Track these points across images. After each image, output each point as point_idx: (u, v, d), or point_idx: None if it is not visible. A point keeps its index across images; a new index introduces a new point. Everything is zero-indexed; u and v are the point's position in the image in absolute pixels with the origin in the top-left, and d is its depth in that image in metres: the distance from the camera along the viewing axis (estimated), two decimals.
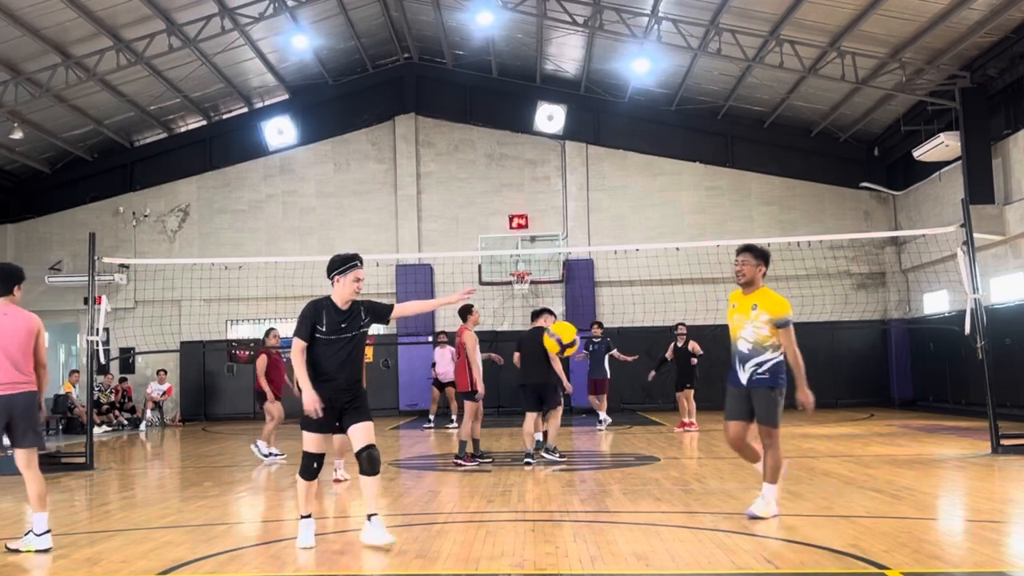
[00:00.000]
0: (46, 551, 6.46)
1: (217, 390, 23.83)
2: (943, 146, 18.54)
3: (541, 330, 11.35)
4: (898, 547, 5.98)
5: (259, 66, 22.47)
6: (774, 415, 7.11)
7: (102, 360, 14.78)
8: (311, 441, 6.37)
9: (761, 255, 7.28)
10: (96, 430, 16.82)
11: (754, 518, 7.04)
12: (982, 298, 12.15)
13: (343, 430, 6.44)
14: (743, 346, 7.18)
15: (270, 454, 12.61)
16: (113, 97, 21.34)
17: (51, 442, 16.63)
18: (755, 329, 7.12)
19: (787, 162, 23.85)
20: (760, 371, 7.11)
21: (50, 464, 12.20)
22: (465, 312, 11.67)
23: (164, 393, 22.51)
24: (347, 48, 23.31)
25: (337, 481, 10.14)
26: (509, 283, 22.79)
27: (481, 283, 22.22)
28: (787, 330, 7.09)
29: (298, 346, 6.33)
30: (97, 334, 13.05)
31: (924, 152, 19.27)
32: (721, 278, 21.36)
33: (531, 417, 11.25)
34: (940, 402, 20.67)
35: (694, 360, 16.27)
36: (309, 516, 6.44)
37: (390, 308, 6.65)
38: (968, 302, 11.94)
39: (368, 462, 6.32)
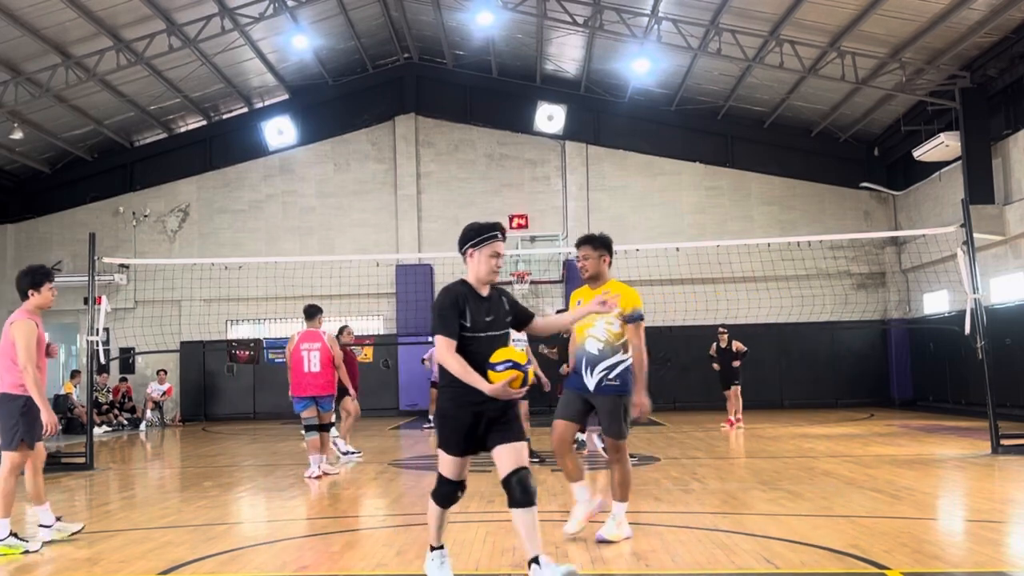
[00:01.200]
0: None
1: (217, 390, 23.83)
2: (943, 146, 18.54)
3: None
4: (898, 547, 5.97)
5: (259, 66, 22.47)
6: (620, 426, 6.42)
7: (102, 360, 14.78)
8: (450, 465, 5.22)
9: (602, 244, 6.61)
10: (96, 430, 16.81)
11: (603, 542, 6.28)
12: (982, 298, 12.15)
13: (487, 447, 5.15)
14: (592, 347, 6.45)
15: (347, 452, 12.50)
16: (113, 97, 21.34)
17: (51, 442, 16.64)
18: (607, 326, 6.42)
19: (787, 162, 23.85)
20: (611, 376, 6.40)
21: (50, 464, 12.19)
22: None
23: (164, 393, 22.51)
24: (347, 48, 23.31)
25: (320, 476, 10.29)
26: (509, 283, 22.77)
27: None
28: (638, 325, 6.42)
29: (450, 347, 5.02)
30: (97, 334, 13.05)
31: (924, 152, 19.27)
32: (721, 278, 21.43)
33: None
34: (940, 402, 20.67)
35: (737, 362, 16.54)
36: (441, 547, 5.32)
37: (531, 317, 5.46)
38: (968, 302, 11.94)
39: (521, 489, 4.99)
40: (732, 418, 16.57)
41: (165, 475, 12.42)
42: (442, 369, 5.15)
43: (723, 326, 17.14)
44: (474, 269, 5.22)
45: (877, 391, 22.69)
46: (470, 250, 5.22)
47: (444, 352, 5.04)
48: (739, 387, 16.64)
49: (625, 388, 6.41)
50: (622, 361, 6.43)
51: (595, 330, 6.45)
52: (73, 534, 7.00)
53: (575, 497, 6.66)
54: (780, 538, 6.38)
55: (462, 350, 5.04)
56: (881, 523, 6.94)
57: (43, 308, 6.95)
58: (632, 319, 6.41)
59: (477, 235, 5.21)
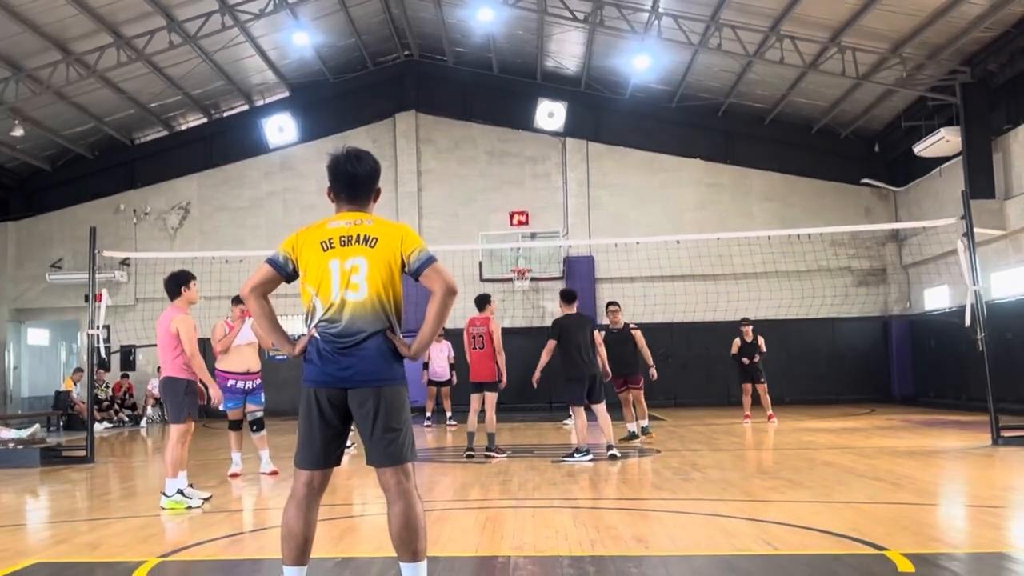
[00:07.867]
0: (165, 509, 7.59)
1: None
2: (944, 141, 18.53)
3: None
4: (899, 530, 5.97)
5: (260, 63, 22.48)
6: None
7: (103, 356, 14.77)
8: None
9: None
10: (97, 426, 16.81)
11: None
12: (982, 290, 12.14)
13: None
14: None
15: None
16: (114, 94, 21.35)
17: (52, 438, 16.63)
18: None
19: (788, 158, 23.83)
20: None
21: (52, 458, 12.23)
22: (484, 301, 11.66)
23: None
24: (348, 45, 23.32)
25: (274, 473, 10.13)
26: (510, 280, 22.79)
27: (482, 280, 22.20)
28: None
29: None
30: (98, 329, 13.05)
31: (925, 148, 19.26)
32: (722, 274, 21.44)
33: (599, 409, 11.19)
34: (941, 398, 20.64)
35: (754, 359, 16.21)
36: None
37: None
38: (968, 294, 11.93)
39: None
40: (748, 412, 16.26)
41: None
42: None
43: (746, 320, 16.79)
44: None
45: (878, 387, 22.67)
46: None
47: None
48: (765, 385, 16.26)
49: None
50: None
51: None
52: (205, 500, 7.91)
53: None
54: (780, 522, 6.38)
55: None
56: (881, 508, 6.94)
57: (191, 303, 8.14)
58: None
59: None
